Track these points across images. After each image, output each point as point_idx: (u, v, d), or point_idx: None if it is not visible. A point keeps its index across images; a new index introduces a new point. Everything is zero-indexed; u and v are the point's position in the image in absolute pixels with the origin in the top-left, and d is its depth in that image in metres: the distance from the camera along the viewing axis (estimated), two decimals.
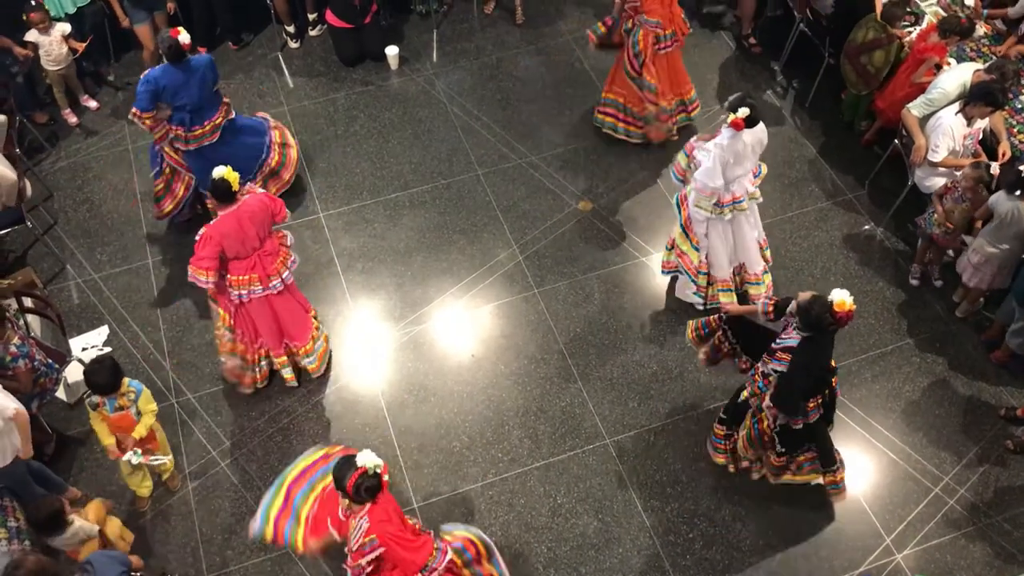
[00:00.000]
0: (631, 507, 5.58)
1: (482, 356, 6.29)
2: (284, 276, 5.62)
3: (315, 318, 6.08)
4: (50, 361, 5.51)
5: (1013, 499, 5.59)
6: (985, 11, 7.12)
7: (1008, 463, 5.72)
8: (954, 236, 6.11)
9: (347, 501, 4.28)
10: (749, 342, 5.34)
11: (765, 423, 5.12)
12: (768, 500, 5.59)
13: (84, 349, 6.23)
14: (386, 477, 4.24)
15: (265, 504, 4.72)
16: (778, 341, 4.88)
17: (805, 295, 4.65)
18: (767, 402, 4.97)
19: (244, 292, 5.55)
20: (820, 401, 4.99)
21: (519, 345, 6.33)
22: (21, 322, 5.74)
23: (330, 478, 4.38)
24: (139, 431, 5.15)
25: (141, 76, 6.19)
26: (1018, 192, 5.54)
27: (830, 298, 4.58)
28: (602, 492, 5.65)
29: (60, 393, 5.86)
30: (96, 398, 5.07)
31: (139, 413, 5.14)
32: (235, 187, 5.33)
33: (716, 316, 5.44)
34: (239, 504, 5.60)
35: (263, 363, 6.00)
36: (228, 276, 5.54)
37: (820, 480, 5.43)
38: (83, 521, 4.76)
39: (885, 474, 5.71)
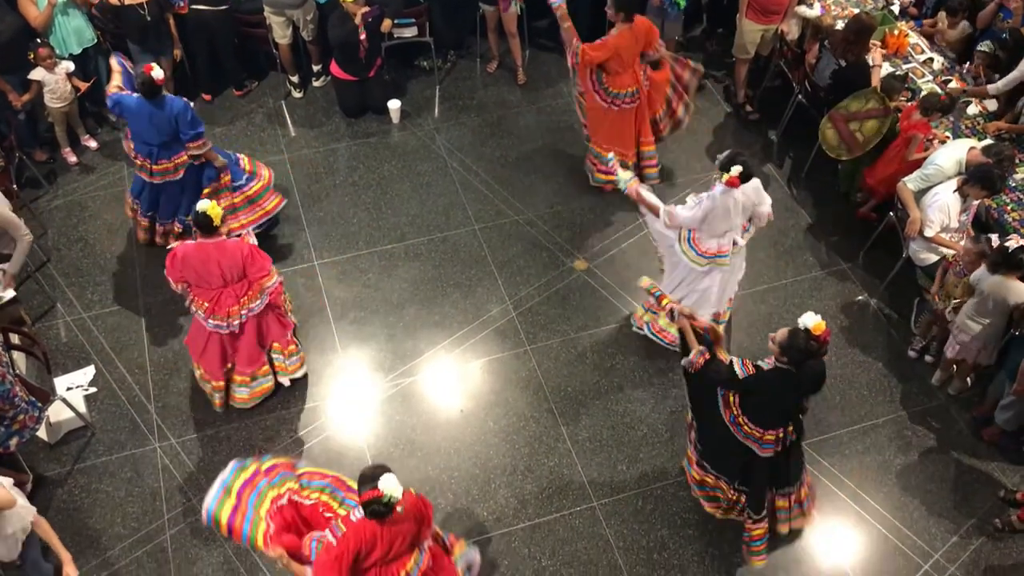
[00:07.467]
0: (616, 572, 5.47)
1: (471, 412, 6.22)
2: (231, 322, 5.66)
3: (281, 352, 6.06)
4: (32, 399, 5.41)
5: None
6: (965, 90, 7.23)
7: (999, 541, 5.64)
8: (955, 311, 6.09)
9: None
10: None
11: None
12: (755, 569, 5.49)
13: (69, 388, 6.14)
14: (399, 509, 4.17)
15: (212, 502, 4.51)
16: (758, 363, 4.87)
17: (782, 332, 4.68)
18: (696, 354, 4.87)
19: (193, 309, 5.72)
20: (779, 436, 4.92)
21: (509, 402, 6.27)
22: (6, 358, 5.66)
23: (279, 489, 4.48)
24: None
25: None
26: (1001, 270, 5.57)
27: (803, 326, 4.61)
28: (587, 556, 5.55)
29: (41, 432, 5.76)
30: None
31: None
32: (216, 222, 5.42)
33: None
34: (217, 553, 5.48)
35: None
36: (190, 288, 5.71)
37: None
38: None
39: (875, 548, 5.62)
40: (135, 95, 6.29)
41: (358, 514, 4.24)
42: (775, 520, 5.35)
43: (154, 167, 6.46)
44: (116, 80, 6.49)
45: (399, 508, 4.18)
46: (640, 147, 7.43)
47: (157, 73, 6.13)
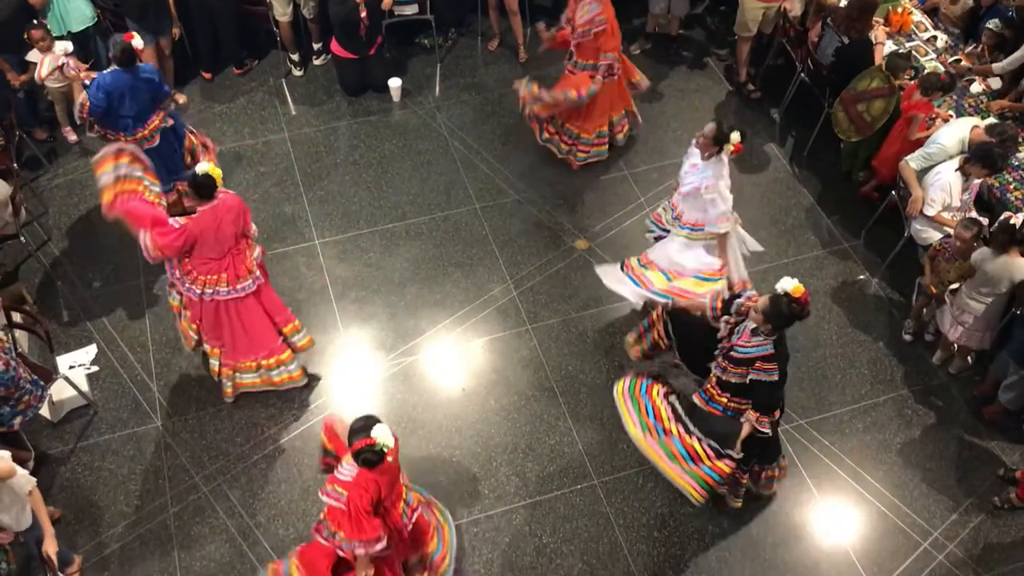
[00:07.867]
0: (617, 550, 5.51)
1: (472, 390, 6.24)
2: (255, 274, 5.54)
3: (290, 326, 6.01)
4: (35, 378, 5.42)
5: (1002, 556, 5.54)
6: (970, 68, 7.20)
7: (998, 519, 5.67)
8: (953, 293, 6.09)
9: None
10: (683, 343, 5.40)
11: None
12: (755, 547, 5.52)
13: (71, 367, 6.16)
14: (390, 459, 4.36)
15: None
16: (741, 351, 4.87)
17: (763, 300, 4.72)
18: (753, 414, 4.93)
19: (208, 291, 5.50)
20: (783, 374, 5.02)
21: (510, 381, 6.29)
22: (8, 343, 5.66)
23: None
24: None
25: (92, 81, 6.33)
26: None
27: (782, 291, 4.66)
28: (588, 533, 5.58)
29: (44, 411, 5.78)
30: None
31: None
32: (219, 183, 5.31)
33: (659, 309, 5.49)
34: (219, 531, 5.51)
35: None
36: (193, 272, 5.48)
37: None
38: None
39: (874, 527, 5.65)
40: (107, 72, 6.24)
41: (345, 468, 4.40)
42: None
43: (128, 140, 6.30)
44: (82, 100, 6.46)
45: (390, 458, 4.33)
46: (634, 80, 7.54)
47: (137, 42, 6.13)
